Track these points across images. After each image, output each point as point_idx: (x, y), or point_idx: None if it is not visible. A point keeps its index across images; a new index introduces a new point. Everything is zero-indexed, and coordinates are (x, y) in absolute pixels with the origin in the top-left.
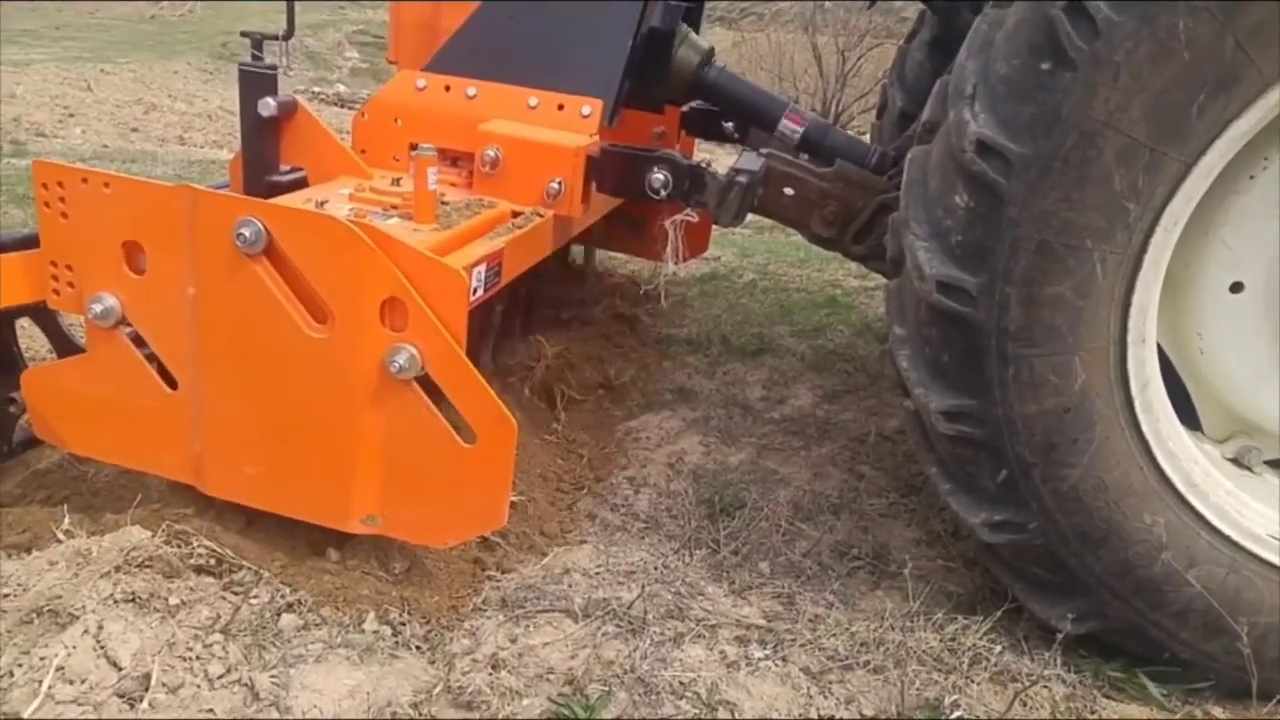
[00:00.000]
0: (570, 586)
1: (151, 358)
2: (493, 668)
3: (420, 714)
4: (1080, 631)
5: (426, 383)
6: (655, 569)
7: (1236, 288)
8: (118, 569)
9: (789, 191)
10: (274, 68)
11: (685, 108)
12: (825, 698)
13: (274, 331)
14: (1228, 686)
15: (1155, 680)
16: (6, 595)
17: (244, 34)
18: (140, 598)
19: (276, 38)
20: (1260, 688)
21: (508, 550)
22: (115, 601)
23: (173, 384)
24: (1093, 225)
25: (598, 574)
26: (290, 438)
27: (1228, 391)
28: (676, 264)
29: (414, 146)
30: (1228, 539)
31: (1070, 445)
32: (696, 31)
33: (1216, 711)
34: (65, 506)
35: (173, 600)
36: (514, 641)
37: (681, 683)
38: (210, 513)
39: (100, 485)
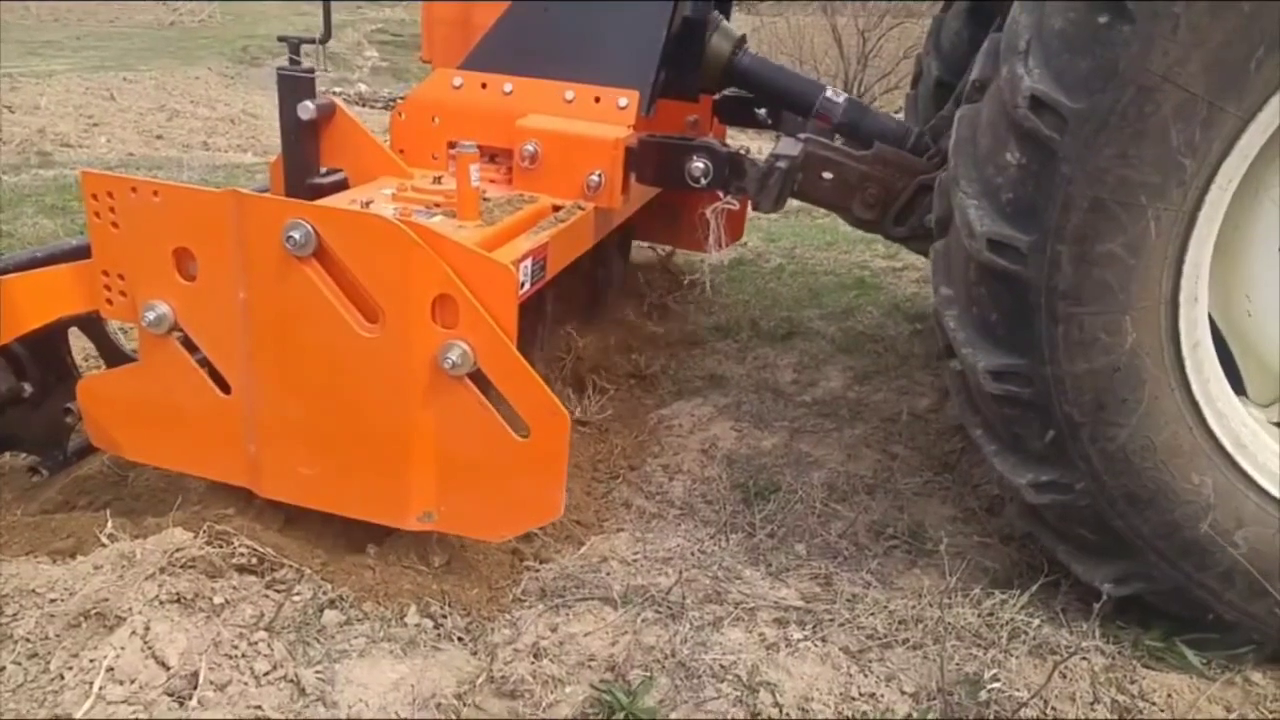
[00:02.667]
0: (608, 574)
1: (204, 363)
2: (534, 656)
3: (465, 704)
4: (1125, 594)
5: (476, 375)
6: (692, 554)
7: None
8: (162, 570)
9: (828, 176)
10: (312, 71)
11: (718, 95)
12: (865, 676)
13: (326, 332)
14: (1270, 649)
15: (1194, 648)
16: (54, 600)
17: (281, 39)
18: (185, 598)
19: (313, 41)
20: None
21: (545, 540)
22: (161, 603)
23: (226, 388)
24: (1148, 182)
25: (635, 561)
26: (345, 437)
27: (1274, 355)
28: (717, 251)
29: (452, 144)
30: (1275, 500)
31: (1119, 405)
32: (727, 19)
33: (1256, 677)
34: (108, 511)
35: (217, 600)
36: (554, 630)
37: (722, 665)
38: (250, 512)
39: (141, 489)
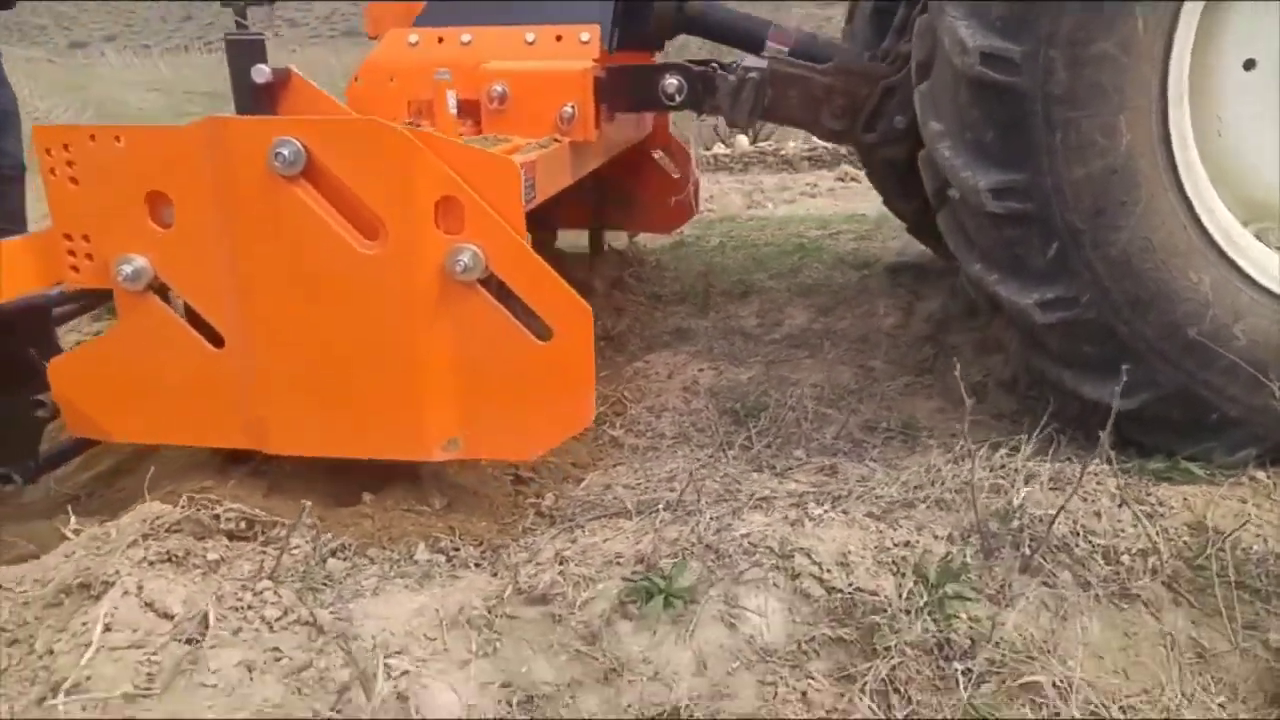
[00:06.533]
0: (616, 497)
1: (190, 319)
2: (560, 565)
3: (495, 616)
4: (1132, 406)
5: (488, 283)
6: (696, 472)
7: (1249, 65)
8: (145, 537)
9: (794, 92)
10: (261, 35)
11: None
12: (895, 530)
13: (324, 256)
14: (1269, 446)
15: (1196, 463)
16: (25, 590)
17: (225, 2)
18: (176, 556)
19: (260, 2)
20: None
21: (544, 481)
22: (150, 563)
23: (217, 341)
24: None
25: (639, 485)
26: (355, 371)
27: (1245, 174)
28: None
29: (413, 104)
30: (1269, 292)
31: (1118, 207)
32: None
33: (1260, 475)
34: (70, 508)
35: (211, 556)
36: (574, 542)
37: (751, 543)
38: (229, 483)
39: (101, 500)
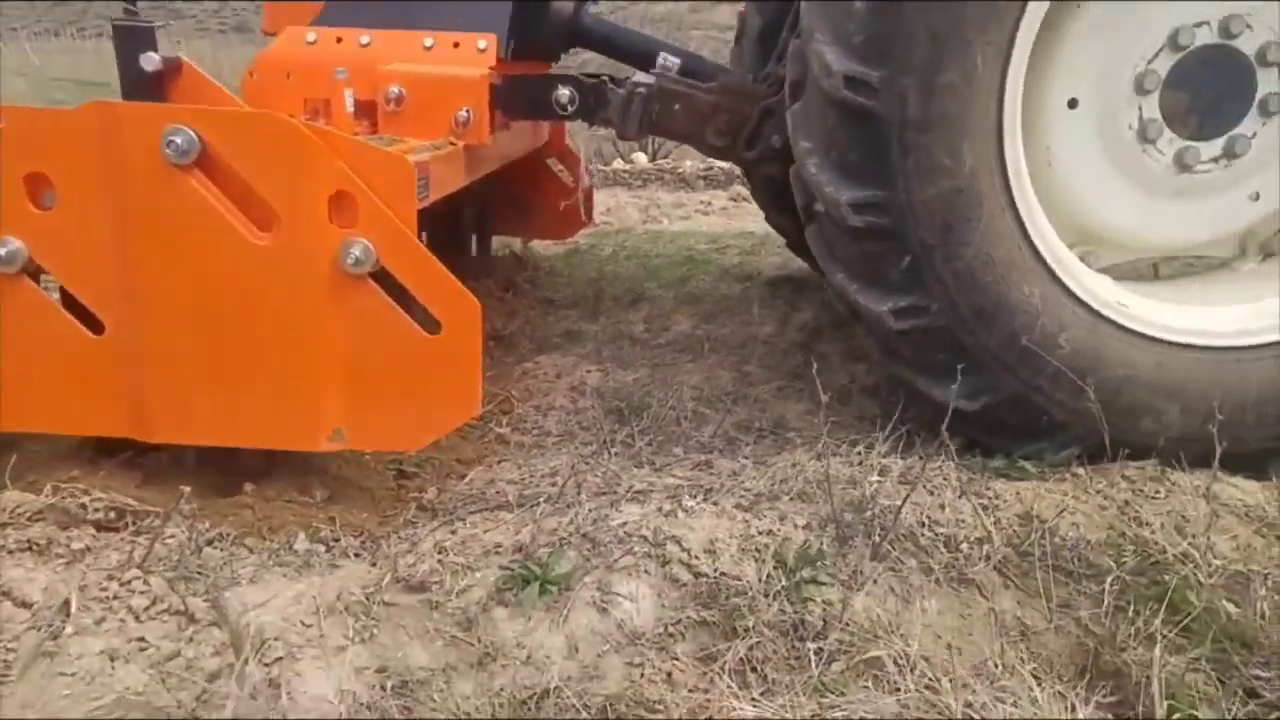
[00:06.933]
0: (498, 491)
1: (67, 303)
2: (439, 554)
3: (373, 603)
4: (975, 408)
5: (377, 276)
6: (578, 467)
7: (1073, 104)
8: (3, 525)
9: (680, 107)
10: (151, 23)
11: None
12: (760, 520)
13: (215, 246)
14: (1092, 441)
15: (1031, 462)
16: None
17: None
18: (38, 545)
19: None
20: (1115, 439)
21: (427, 477)
22: (9, 552)
23: (97, 328)
24: (973, 17)
25: (522, 480)
26: (242, 360)
27: (1072, 202)
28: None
29: (309, 102)
30: (1086, 305)
31: (964, 224)
32: None
33: (1080, 472)
34: None
35: (76, 546)
36: (454, 534)
37: (626, 532)
38: (98, 475)
39: None
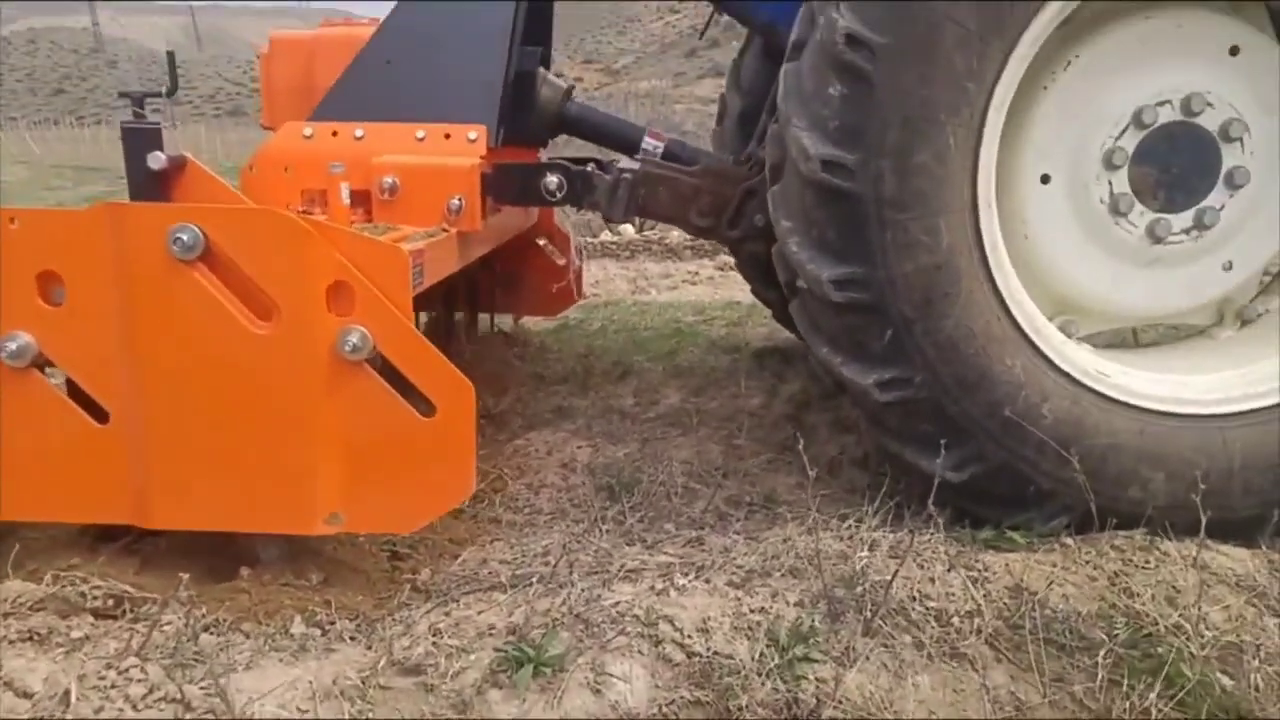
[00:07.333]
0: (491, 572)
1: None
2: (433, 637)
3: (369, 687)
4: (963, 478)
5: (374, 363)
6: (570, 546)
7: (1046, 179)
8: (5, 616)
9: (664, 191)
10: (157, 124)
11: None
12: (752, 597)
13: (217, 337)
14: (1080, 511)
15: (1020, 533)
16: None
17: (123, 94)
18: (39, 634)
19: (159, 95)
20: (1099, 508)
21: (421, 558)
22: (10, 643)
23: (101, 418)
24: (944, 101)
25: (515, 560)
26: (242, 447)
27: (1049, 273)
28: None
29: (306, 194)
30: (1068, 375)
31: (943, 298)
32: (546, 68)
33: (1070, 542)
34: None
35: (75, 634)
36: (448, 615)
37: (619, 612)
38: (96, 561)
39: None
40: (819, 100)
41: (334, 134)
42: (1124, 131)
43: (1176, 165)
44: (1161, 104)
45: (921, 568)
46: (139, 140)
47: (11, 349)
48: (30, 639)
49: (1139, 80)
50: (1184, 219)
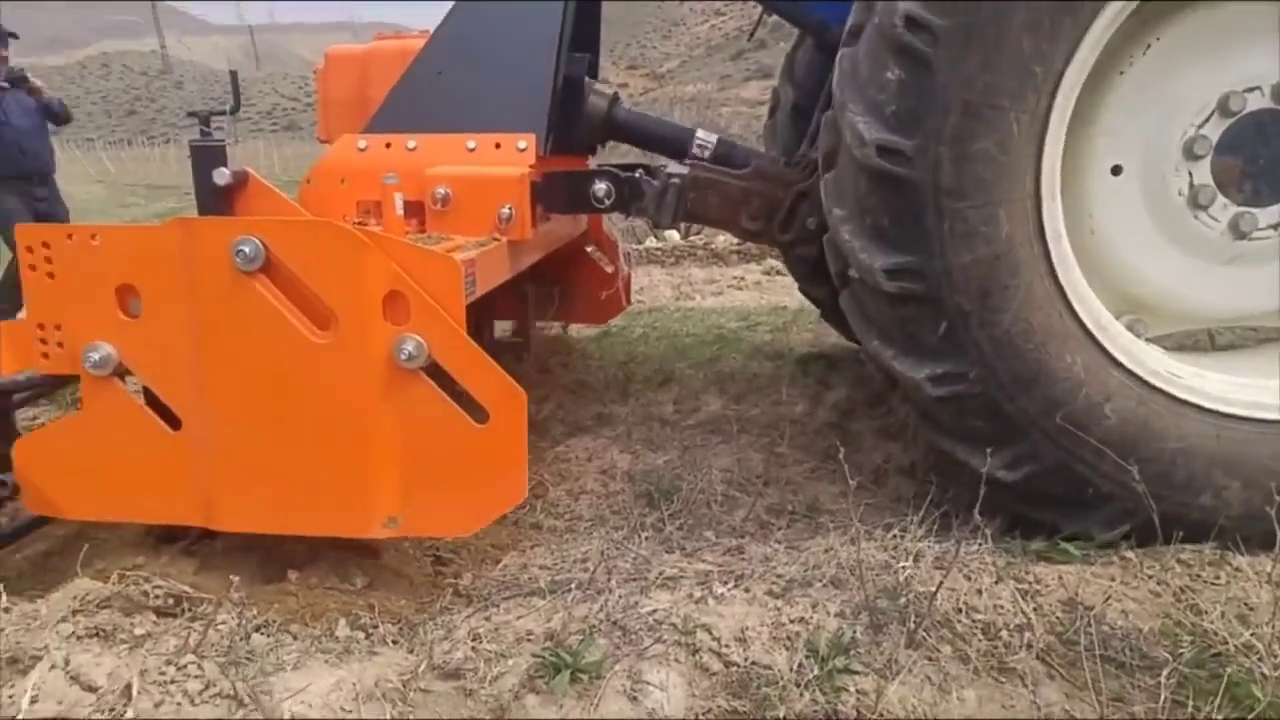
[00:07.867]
0: (531, 577)
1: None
2: (473, 641)
3: (410, 690)
4: (1016, 478)
5: (429, 371)
6: (609, 552)
7: (1117, 170)
8: (75, 613)
9: (714, 195)
10: (222, 141)
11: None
12: (792, 607)
13: (279, 345)
14: (1142, 517)
15: (1074, 545)
16: None
17: (191, 114)
18: (104, 631)
19: (223, 113)
20: (1165, 515)
21: (463, 563)
22: (78, 638)
23: (174, 424)
24: (1008, 86)
25: (555, 565)
26: (303, 452)
27: (1116, 270)
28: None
29: (361, 205)
30: (1134, 375)
31: (1002, 291)
32: (594, 78)
33: (1130, 555)
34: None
35: (138, 631)
36: (488, 620)
37: (656, 620)
38: (159, 561)
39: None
40: (875, 85)
41: (387, 146)
42: (1207, 119)
43: (1265, 155)
44: (1250, 90)
45: (968, 579)
46: (206, 157)
47: (95, 359)
48: (96, 635)
49: (1225, 65)
50: (1271, 213)
